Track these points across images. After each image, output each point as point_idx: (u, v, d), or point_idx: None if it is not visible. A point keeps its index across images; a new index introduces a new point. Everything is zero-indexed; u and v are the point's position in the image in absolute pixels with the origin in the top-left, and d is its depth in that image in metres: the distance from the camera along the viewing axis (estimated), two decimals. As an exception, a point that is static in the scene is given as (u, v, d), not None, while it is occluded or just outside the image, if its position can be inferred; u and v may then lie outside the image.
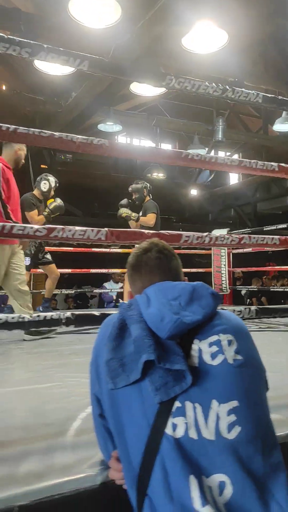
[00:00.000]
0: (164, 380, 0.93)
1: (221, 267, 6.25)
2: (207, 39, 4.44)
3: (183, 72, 5.92)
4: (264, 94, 1.83)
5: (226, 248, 6.18)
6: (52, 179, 4.54)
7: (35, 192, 4.55)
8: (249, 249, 6.26)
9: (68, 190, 6.25)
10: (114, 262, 7.46)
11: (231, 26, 4.42)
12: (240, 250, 6.31)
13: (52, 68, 5.16)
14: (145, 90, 5.80)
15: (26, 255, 4.38)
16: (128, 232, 1.54)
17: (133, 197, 4.67)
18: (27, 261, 4.41)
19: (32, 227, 1.39)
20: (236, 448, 0.86)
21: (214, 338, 0.98)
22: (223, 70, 5.42)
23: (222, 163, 1.72)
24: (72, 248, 5.88)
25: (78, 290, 7.54)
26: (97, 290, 7.36)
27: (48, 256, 4.62)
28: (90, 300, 11.11)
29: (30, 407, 1.59)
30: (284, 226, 5.20)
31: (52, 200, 4.51)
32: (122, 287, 7.30)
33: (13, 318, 1.37)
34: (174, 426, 0.88)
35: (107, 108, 6.69)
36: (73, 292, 7.25)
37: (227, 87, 1.77)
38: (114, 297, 7.79)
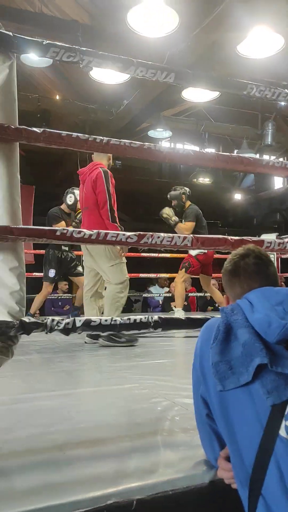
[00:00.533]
0: (275, 384, 0.95)
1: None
2: (263, 44, 4.43)
3: (236, 77, 5.91)
4: None
5: (275, 253, 6.11)
6: (77, 192, 4.68)
7: (62, 206, 4.85)
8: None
9: (118, 196, 6.37)
10: (160, 266, 7.51)
11: (287, 30, 4.39)
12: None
13: (107, 77, 5.29)
14: (197, 96, 5.83)
15: (51, 267, 4.74)
16: (213, 239, 1.57)
17: (172, 205, 4.64)
18: (52, 273, 4.73)
19: (124, 234, 1.46)
20: None
21: None
22: (276, 74, 5.37)
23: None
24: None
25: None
26: (145, 295, 7.42)
27: (80, 269, 4.88)
28: (134, 304, 11.22)
29: (117, 406, 1.65)
30: None
31: (80, 210, 4.67)
32: (168, 292, 7.33)
33: (106, 320, 1.43)
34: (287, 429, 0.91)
35: (157, 115, 6.77)
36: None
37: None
38: (161, 302, 7.84)
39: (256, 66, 5.18)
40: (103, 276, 3.49)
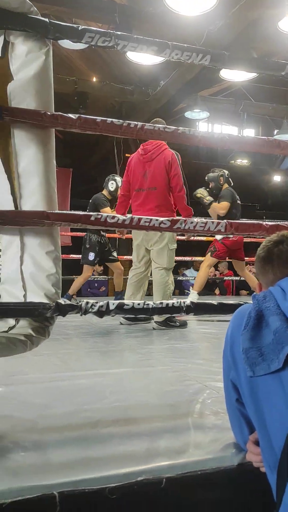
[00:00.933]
0: (306, 372, 0.95)
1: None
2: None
3: (273, 54, 5.72)
4: None
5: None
6: (119, 179, 4.76)
7: (104, 192, 4.89)
8: None
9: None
10: (195, 250, 7.47)
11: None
12: None
13: (144, 58, 5.23)
14: (235, 74, 5.69)
15: (91, 250, 4.79)
16: (247, 224, 1.56)
17: (210, 186, 4.56)
18: (92, 256, 4.79)
19: (157, 219, 1.47)
20: None
21: None
22: None
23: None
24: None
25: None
26: (180, 278, 7.42)
27: (115, 254, 5.03)
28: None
29: (150, 388, 1.69)
30: None
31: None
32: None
33: (139, 304, 1.46)
34: None
35: (194, 95, 6.66)
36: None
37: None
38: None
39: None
40: (156, 261, 3.45)
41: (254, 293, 1.16)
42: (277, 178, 12.11)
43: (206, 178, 4.68)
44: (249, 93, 8.48)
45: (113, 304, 1.42)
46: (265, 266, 1.21)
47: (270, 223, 1.58)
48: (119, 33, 1.49)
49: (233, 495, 1.09)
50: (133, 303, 1.45)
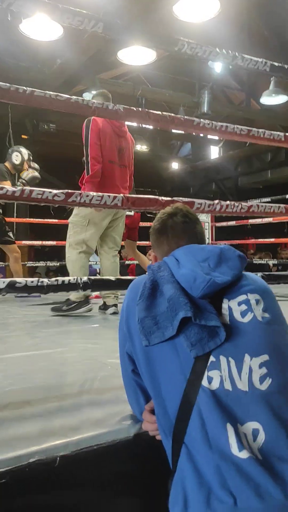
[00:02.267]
0: (199, 336, 0.97)
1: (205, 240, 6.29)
2: (198, 8, 4.37)
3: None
4: (272, 62, 1.85)
5: (209, 221, 6.25)
6: (24, 151, 4.28)
7: (7, 164, 4.27)
8: (233, 222, 6.34)
9: (50, 161, 6.13)
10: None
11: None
12: (224, 224, 6.39)
13: (38, 33, 4.99)
14: (133, 58, 5.67)
15: None
16: (143, 199, 1.55)
17: None
18: None
19: (50, 192, 1.39)
20: (268, 399, 0.91)
21: (242, 297, 1.03)
22: (212, 40, 5.34)
23: (231, 132, 1.74)
24: (56, 220, 5.76)
25: (60, 263, 7.32)
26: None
27: (11, 235, 4.36)
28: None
29: (48, 369, 1.63)
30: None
31: (25, 170, 4.26)
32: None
33: (32, 282, 1.38)
34: (210, 379, 0.93)
35: (93, 77, 6.54)
36: (57, 264, 7.13)
37: (237, 54, 1.77)
38: (98, 270, 7.69)
39: (192, 30, 5.11)
40: (116, 242, 3.27)
41: (149, 264, 1.15)
42: (175, 165, 12.50)
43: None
44: (148, 79, 8.58)
45: (3, 282, 1.32)
46: (160, 237, 1.21)
47: (165, 198, 1.59)
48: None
49: (131, 467, 1.08)
50: (26, 280, 1.37)
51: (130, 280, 1.51)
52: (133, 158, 3.29)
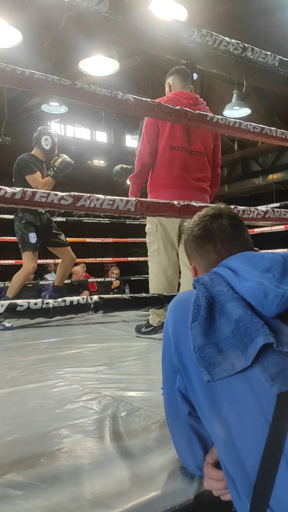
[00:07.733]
0: (281, 367, 0.76)
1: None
2: (168, 13, 4.28)
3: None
4: (281, 57, 1.72)
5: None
6: (54, 132, 3.56)
7: (35, 151, 3.52)
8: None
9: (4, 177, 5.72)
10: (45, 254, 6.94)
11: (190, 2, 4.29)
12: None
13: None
14: (95, 69, 5.49)
15: (30, 230, 3.41)
16: (158, 203, 1.34)
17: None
18: (32, 238, 3.37)
19: (56, 194, 1.15)
20: None
21: None
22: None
23: (245, 129, 1.57)
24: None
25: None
26: (42, 282, 6.90)
27: (63, 237, 3.61)
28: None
29: (45, 409, 1.33)
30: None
31: (56, 157, 3.49)
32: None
33: (35, 304, 1.12)
34: (299, 422, 0.72)
35: (52, 88, 6.27)
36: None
37: (247, 45, 1.63)
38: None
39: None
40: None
41: (196, 277, 0.93)
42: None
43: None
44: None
45: (1, 305, 1.06)
46: (205, 245, 0.99)
47: (182, 203, 1.38)
48: None
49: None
50: (29, 303, 1.11)
51: (147, 298, 1.29)
52: (215, 145, 2.79)
